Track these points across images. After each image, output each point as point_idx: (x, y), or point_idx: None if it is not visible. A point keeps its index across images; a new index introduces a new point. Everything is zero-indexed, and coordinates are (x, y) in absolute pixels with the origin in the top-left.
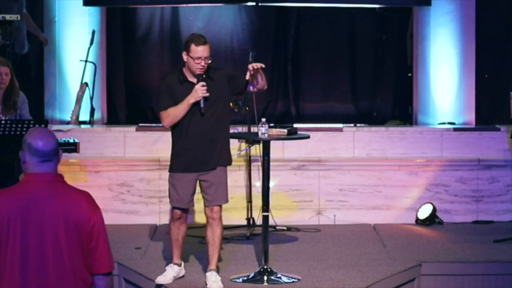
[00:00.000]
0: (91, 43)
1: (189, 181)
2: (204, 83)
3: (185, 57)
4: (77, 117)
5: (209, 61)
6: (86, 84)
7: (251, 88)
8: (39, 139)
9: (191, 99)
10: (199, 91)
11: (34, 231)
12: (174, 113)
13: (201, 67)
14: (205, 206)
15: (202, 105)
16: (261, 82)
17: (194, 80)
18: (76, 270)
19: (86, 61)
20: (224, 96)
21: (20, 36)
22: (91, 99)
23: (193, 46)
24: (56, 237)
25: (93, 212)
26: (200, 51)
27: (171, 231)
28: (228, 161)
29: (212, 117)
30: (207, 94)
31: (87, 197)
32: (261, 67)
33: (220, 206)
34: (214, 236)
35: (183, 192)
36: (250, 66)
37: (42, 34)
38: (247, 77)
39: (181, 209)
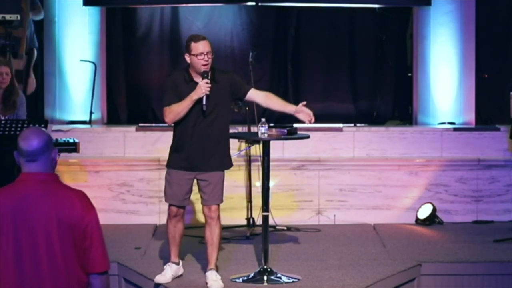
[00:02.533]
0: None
1: (185, 180)
2: (208, 80)
3: (188, 58)
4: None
5: (212, 56)
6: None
7: None
8: (23, 140)
9: (194, 95)
10: (203, 87)
11: (26, 230)
12: (177, 110)
13: (205, 62)
14: (203, 205)
15: (204, 102)
16: None
17: (199, 80)
18: (70, 270)
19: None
20: (226, 99)
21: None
22: (92, 99)
23: (193, 44)
24: (49, 236)
25: (87, 212)
26: (201, 46)
27: (168, 229)
28: (228, 164)
29: (215, 119)
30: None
31: (81, 196)
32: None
33: (218, 205)
34: (212, 235)
35: (178, 190)
36: None
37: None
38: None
39: (177, 206)
